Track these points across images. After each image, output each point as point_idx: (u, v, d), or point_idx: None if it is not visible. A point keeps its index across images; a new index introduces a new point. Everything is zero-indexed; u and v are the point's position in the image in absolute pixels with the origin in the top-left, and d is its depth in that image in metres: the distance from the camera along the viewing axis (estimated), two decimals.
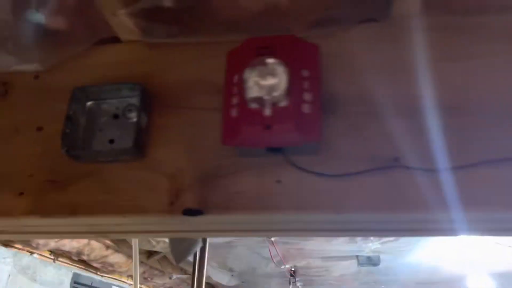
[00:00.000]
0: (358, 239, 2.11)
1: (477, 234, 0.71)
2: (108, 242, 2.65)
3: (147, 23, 0.78)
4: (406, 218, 0.62)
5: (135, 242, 1.34)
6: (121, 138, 0.74)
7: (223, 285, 3.79)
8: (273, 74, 0.60)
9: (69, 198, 0.71)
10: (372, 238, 2.07)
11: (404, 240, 2.11)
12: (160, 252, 3.11)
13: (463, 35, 0.70)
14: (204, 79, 0.77)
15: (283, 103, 0.60)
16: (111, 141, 0.75)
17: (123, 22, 0.78)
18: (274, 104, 0.60)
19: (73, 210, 0.70)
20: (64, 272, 2.73)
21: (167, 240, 2.52)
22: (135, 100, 0.76)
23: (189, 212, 0.66)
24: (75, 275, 2.80)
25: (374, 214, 0.62)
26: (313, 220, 0.66)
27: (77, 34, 0.82)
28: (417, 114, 0.66)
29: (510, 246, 2.20)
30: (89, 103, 0.78)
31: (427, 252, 2.39)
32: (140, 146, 0.71)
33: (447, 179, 0.60)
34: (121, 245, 2.69)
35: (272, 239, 2.28)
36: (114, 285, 3.28)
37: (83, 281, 2.92)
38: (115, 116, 0.77)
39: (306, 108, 0.60)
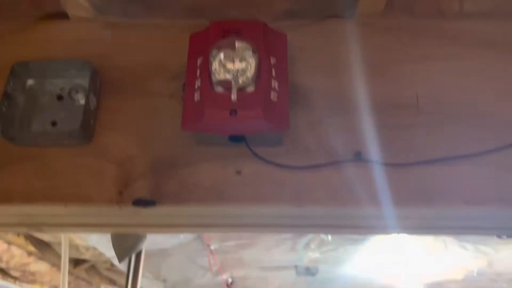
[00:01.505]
0: (299, 247, 2.11)
1: (417, 232, 0.72)
2: (31, 248, 2.44)
3: (102, 0, 0.73)
4: (362, 213, 0.61)
5: (65, 242, 1.22)
6: (65, 121, 0.67)
7: None
8: (241, 58, 0.57)
9: (1, 183, 0.62)
10: (312, 246, 2.08)
11: (343, 250, 2.14)
12: (88, 261, 2.92)
13: (422, 37, 0.72)
14: (161, 64, 0.72)
15: (251, 89, 0.57)
16: (54, 124, 0.67)
17: None
18: (241, 89, 0.57)
19: (6, 197, 0.61)
20: None
21: (100, 248, 2.37)
22: (83, 81, 0.70)
23: (140, 202, 0.61)
24: None
25: (335, 208, 0.61)
26: (272, 213, 0.63)
27: (19, 6, 0.74)
28: (380, 111, 0.66)
29: (441, 259, 2.30)
30: (30, 81, 0.70)
31: (363, 264, 2.44)
32: (87, 130, 0.64)
33: (401, 175, 0.61)
34: (45, 251, 2.49)
35: (212, 247, 2.22)
36: None
37: None
38: (59, 97, 0.70)
39: (274, 96, 0.58)
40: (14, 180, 0.63)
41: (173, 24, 0.74)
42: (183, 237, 1.99)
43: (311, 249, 2.14)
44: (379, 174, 0.61)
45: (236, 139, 0.62)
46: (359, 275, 2.69)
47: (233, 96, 0.56)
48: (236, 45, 0.57)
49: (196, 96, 0.58)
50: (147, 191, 0.62)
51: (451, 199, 0.60)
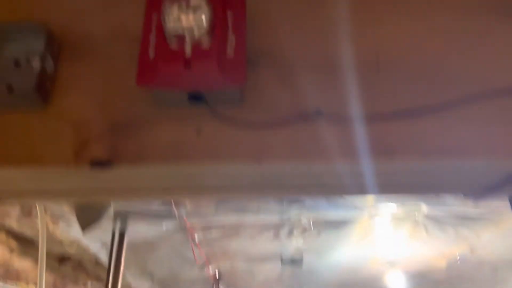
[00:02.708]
0: (282, 235, 2.11)
1: (384, 190, 0.72)
2: (12, 244, 2.41)
3: None
4: (322, 169, 0.61)
5: (42, 230, 1.20)
6: (21, 85, 0.66)
7: None
8: (195, 10, 0.56)
9: None
10: (295, 233, 2.07)
11: (325, 237, 2.14)
12: (74, 258, 2.88)
13: (377, 4, 0.71)
14: (121, 27, 0.71)
15: (206, 43, 0.56)
16: (9, 88, 0.66)
17: None
18: (196, 43, 0.56)
19: None
20: None
21: (84, 241, 2.34)
22: (40, 46, 0.68)
23: (97, 163, 0.60)
24: None
25: (294, 164, 0.60)
26: (232, 172, 0.62)
27: None
28: (336, 70, 0.66)
29: (423, 246, 2.31)
30: None
31: (347, 252, 2.45)
32: (43, 92, 0.63)
33: (362, 130, 0.60)
34: (28, 247, 2.46)
35: (197, 238, 2.20)
36: None
37: None
38: (16, 63, 0.68)
39: (230, 51, 0.57)
40: None
41: None
42: (165, 227, 1.98)
43: (294, 237, 2.14)
44: (339, 130, 0.61)
45: (196, 98, 0.61)
46: (344, 264, 2.70)
47: (188, 50, 0.55)
48: None
49: (151, 51, 0.57)
50: (104, 152, 0.61)
51: (412, 152, 0.59)
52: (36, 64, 0.66)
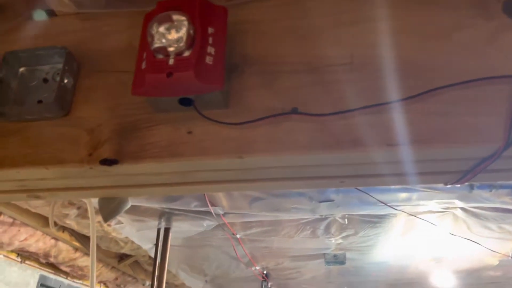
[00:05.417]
0: (320, 233, 2.15)
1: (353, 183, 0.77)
2: (76, 243, 2.64)
3: None
4: (297, 160, 0.67)
5: (93, 227, 1.35)
6: (48, 98, 0.79)
7: None
8: (177, 27, 0.65)
9: None
10: (332, 231, 2.11)
11: (363, 234, 2.16)
12: (131, 256, 3.10)
13: (358, 2, 0.77)
14: (130, 46, 0.82)
15: (187, 54, 0.65)
16: (39, 102, 0.79)
17: None
18: (178, 55, 0.65)
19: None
20: (30, 273, 2.71)
21: (135, 240, 2.53)
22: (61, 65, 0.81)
23: (106, 161, 0.71)
24: (42, 277, 2.78)
25: (272, 157, 0.67)
26: (218, 167, 0.71)
27: (13, 7, 0.87)
28: (317, 71, 0.72)
29: (475, 242, 2.23)
30: (21, 69, 0.83)
31: (390, 250, 2.43)
32: (62, 103, 0.75)
33: (333, 124, 0.67)
34: (89, 247, 2.68)
35: (238, 236, 2.31)
36: None
37: (51, 284, 2.89)
38: (45, 80, 0.81)
39: (208, 60, 0.66)
40: (5, 149, 0.75)
41: (139, 10, 0.83)
42: (206, 226, 2.09)
43: (333, 235, 2.17)
44: (312, 125, 0.67)
45: (186, 103, 0.70)
46: (390, 263, 2.67)
47: (171, 61, 0.64)
48: (173, 18, 0.66)
49: (143, 65, 0.67)
50: (112, 152, 0.72)
51: (375, 143, 0.65)
52: (57, 80, 0.79)
